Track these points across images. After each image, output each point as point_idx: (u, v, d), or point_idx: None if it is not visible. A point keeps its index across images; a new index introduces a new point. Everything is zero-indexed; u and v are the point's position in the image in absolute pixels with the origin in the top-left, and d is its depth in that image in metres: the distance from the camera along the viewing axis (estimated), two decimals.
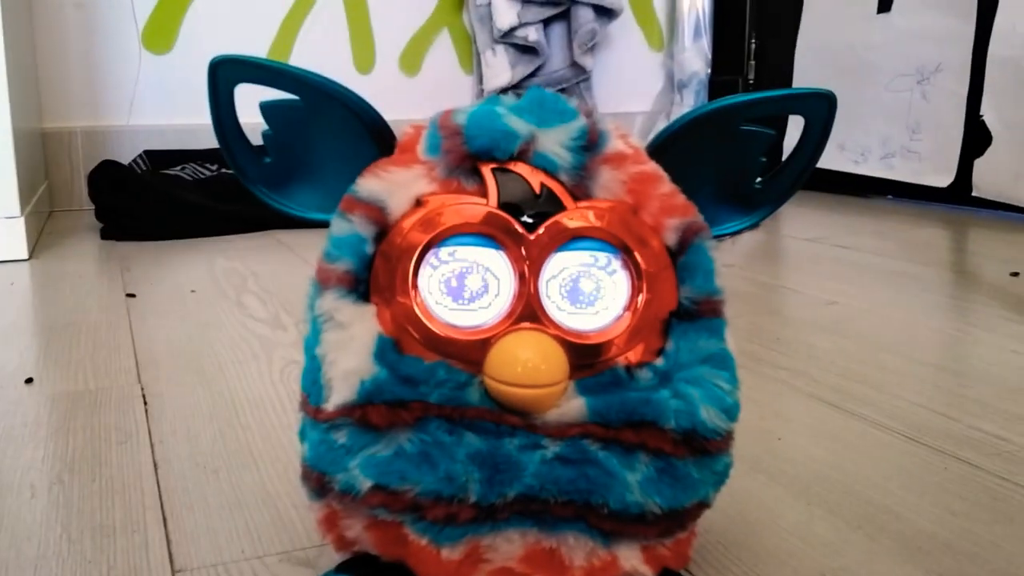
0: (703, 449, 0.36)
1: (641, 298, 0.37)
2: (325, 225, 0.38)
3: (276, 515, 0.49)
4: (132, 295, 1.01)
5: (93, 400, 0.68)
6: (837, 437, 0.60)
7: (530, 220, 0.36)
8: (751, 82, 1.97)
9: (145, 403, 0.67)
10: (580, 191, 0.37)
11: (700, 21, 2.00)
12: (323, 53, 1.80)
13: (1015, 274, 1.08)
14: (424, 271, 0.36)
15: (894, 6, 1.64)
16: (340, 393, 0.35)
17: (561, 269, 0.37)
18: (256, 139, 0.41)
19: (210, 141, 1.70)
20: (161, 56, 1.72)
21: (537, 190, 0.36)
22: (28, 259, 1.21)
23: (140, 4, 1.69)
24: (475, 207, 0.36)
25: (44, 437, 0.61)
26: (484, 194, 0.36)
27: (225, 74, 0.40)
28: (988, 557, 0.44)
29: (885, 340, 0.82)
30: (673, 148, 0.40)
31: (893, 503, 0.50)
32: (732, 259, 1.21)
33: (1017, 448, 0.57)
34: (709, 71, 2.02)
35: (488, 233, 0.36)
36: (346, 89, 0.39)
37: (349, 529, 0.37)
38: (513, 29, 1.80)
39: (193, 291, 1.02)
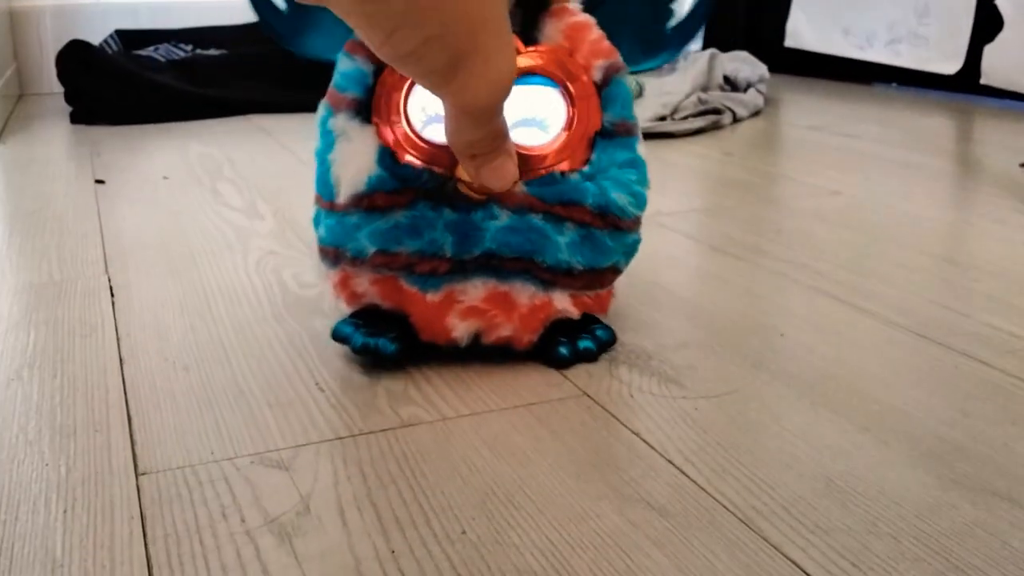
0: (615, 224, 0.50)
1: (574, 121, 0.49)
2: (333, 64, 0.50)
3: (249, 414, 0.46)
4: (101, 181, 0.96)
5: (57, 292, 0.64)
6: (843, 333, 0.56)
7: None
8: None
9: (112, 295, 0.63)
10: (530, 39, 0.49)
11: None
12: None
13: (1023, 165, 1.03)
14: (412, 99, 0.48)
15: None
16: (352, 186, 0.48)
17: (517, 99, 0.46)
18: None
19: (185, 20, 1.63)
20: None
21: None
22: None
23: None
24: None
25: (3, 331, 0.58)
26: None
27: None
28: (1002, 461, 0.42)
29: (891, 232, 0.78)
30: (602, 3, 0.52)
31: (902, 403, 0.47)
32: (731, 147, 1.16)
33: None
34: None
35: None
36: None
37: (359, 286, 0.50)
38: None
39: (166, 178, 0.98)
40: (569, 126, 0.49)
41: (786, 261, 0.70)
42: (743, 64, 1.47)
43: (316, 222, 0.51)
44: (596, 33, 0.50)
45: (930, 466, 0.41)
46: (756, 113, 1.36)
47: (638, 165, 0.51)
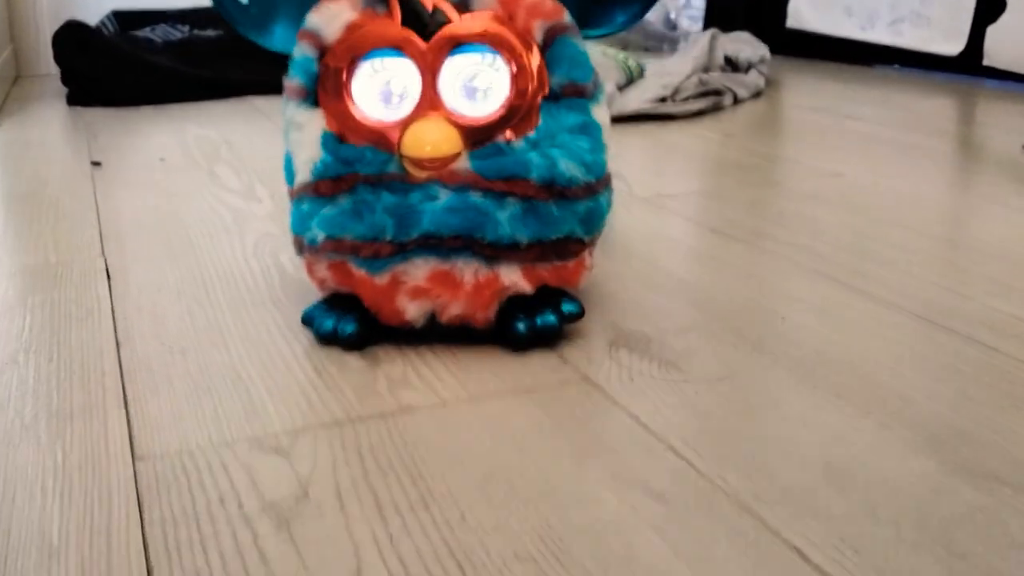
0: (561, 194, 0.49)
1: (515, 88, 0.48)
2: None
3: (247, 399, 0.46)
4: (98, 164, 0.95)
5: (53, 274, 0.64)
6: (844, 317, 0.56)
7: (426, 33, 0.48)
8: None
9: (109, 278, 0.63)
10: (464, 8, 0.49)
11: None
12: None
13: None
14: (353, 80, 0.49)
15: None
16: (301, 174, 0.50)
17: (455, 69, 0.48)
18: None
19: (182, 0, 1.62)
20: None
21: (430, 8, 0.49)
22: None
23: None
24: (385, 28, 0.49)
25: (0, 314, 0.57)
26: (391, 16, 0.49)
27: None
28: (1006, 446, 0.41)
29: (892, 214, 0.78)
30: None
31: (904, 387, 0.47)
32: (732, 129, 1.15)
33: None
34: None
35: (395, 46, 0.49)
36: None
37: (319, 272, 0.51)
38: None
39: (162, 160, 0.97)
40: (510, 92, 0.48)
41: (787, 243, 0.70)
42: (744, 45, 1.46)
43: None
44: None
45: (932, 451, 0.41)
46: (757, 94, 1.35)
47: (591, 130, 0.50)
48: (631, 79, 1.27)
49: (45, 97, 1.36)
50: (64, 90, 1.34)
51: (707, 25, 1.81)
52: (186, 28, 1.54)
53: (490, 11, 0.49)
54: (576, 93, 0.50)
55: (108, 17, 1.55)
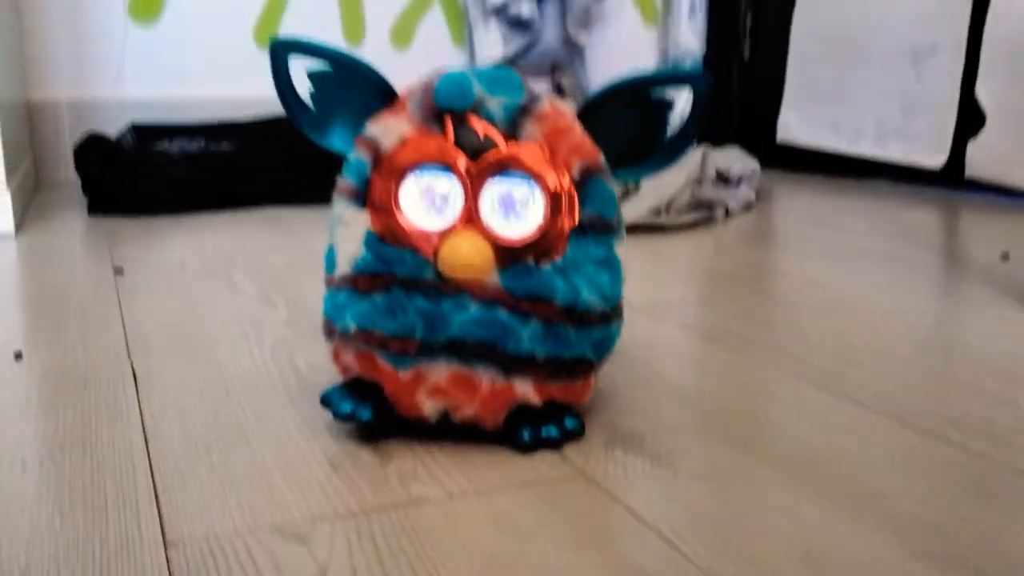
0: (580, 320, 0.53)
1: (548, 214, 0.53)
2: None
3: (268, 490, 0.50)
4: (120, 270, 1.00)
5: (83, 376, 0.68)
6: (826, 419, 0.60)
7: (474, 155, 0.53)
8: (746, 59, 1.96)
9: (135, 380, 0.67)
10: (512, 138, 0.53)
11: None
12: (312, 24, 1.78)
13: (1005, 257, 1.08)
14: (401, 188, 0.54)
15: None
16: (342, 268, 0.55)
17: (496, 191, 0.53)
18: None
19: (197, 115, 1.70)
20: (148, 27, 1.70)
21: (481, 135, 0.53)
22: (14, 234, 1.20)
23: None
24: (438, 145, 0.53)
25: (34, 413, 0.61)
26: (445, 136, 0.53)
27: (281, 51, 0.58)
28: (973, 536, 0.45)
29: (875, 322, 0.82)
30: (597, 110, 0.55)
31: (880, 483, 0.50)
32: (724, 240, 1.21)
33: (1003, 430, 0.58)
34: (704, 48, 2.01)
35: (444, 163, 0.53)
36: (364, 62, 0.57)
37: (346, 358, 0.55)
38: (506, 3, 1.79)
39: (182, 267, 1.02)
40: (544, 219, 0.52)
41: (774, 349, 0.74)
42: (735, 160, 1.53)
43: (324, 299, 0.57)
44: (577, 135, 0.54)
45: (903, 540, 0.44)
46: (748, 207, 1.42)
47: (613, 266, 0.54)
48: (627, 192, 1.34)
49: (66, 206, 1.43)
50: (84, 199, 1.41)
51: (699, 141, 1.90)
52: (202, 141, 1.61)
53: (535, 143, 0.53)
54: (603, 228, 0.54)
55: (128, 129, 1.63)
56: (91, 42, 1.67)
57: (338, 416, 0.55)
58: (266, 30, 1.77)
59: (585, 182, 0.53)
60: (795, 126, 1.84)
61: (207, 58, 1.74)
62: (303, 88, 0.59)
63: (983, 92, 1.48)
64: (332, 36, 1.81)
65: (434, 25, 1.90)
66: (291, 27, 1.77)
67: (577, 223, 0.53)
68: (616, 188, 0.56)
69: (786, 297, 0.91)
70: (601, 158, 0.54)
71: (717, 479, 0.51)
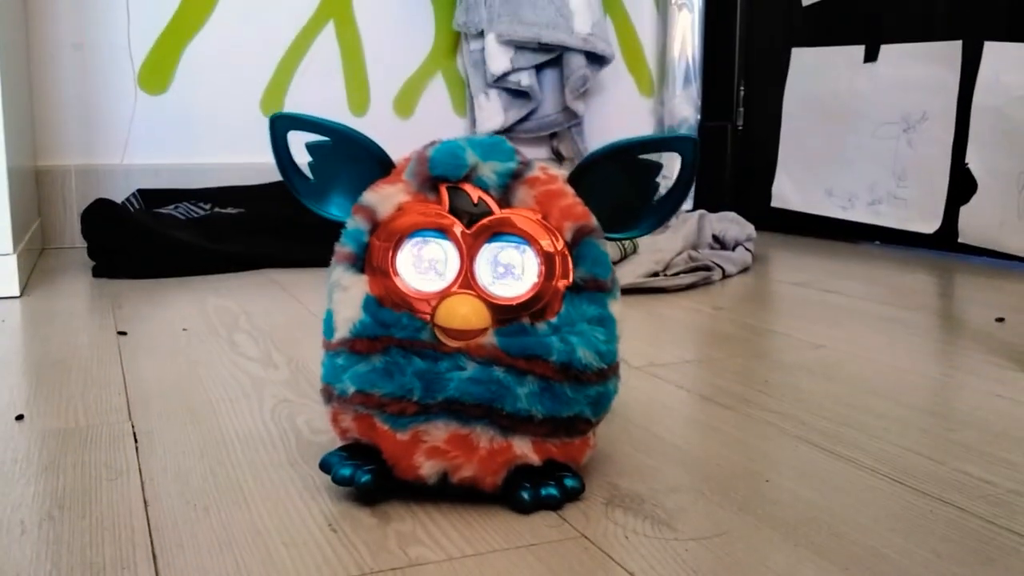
0: (576, 378, 0.54)
1: (543, 275, 0.54)
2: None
3: (266, 553, 0.50)
4: (123, 333, 1.01)
5: (84, 437, 0.68)
6: (825, 480, 0.60)
7: (469, 220, 0.55)
8: (740, 128, 1.99)
9: (136, 440, 0.67)
10: (505, 203, 0.56)
11: (690, 68, 2.04)
12: (318, 95, 1.82)
13: (1000, 319, 1.09)
14: (399, 253, 0.55)
15: (880, 56, 1.68)
16: (340, 331, 0.55)
17: (491, 254, 0.55)
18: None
19: (203, 181, 1.73)
20: (157, 96, 1.73)
21: (475, 201, 0.55)
22: (19, 296, 1.21)
23: (137, 45, 1.71)
24: (433, 212, 0.55)
25: (34, 474, 0.61)
26: (440, 203, 0.55)
27: (280, 125, 0.60)
28: None
29: (872, 384, 0.83)
30: (587, 175, 0.57)
31: (880, 545, 0.50)
32: (721, 302, 1.22)
33: (1001, 491, 0.58)
34: (699, 117, 2.05)
35: (441, 228, 0.55)
36: (361, 134, 0.59)
37: (344, 421, 0.56)
38: (506, 74, 1.83)
39: (185, 329, 1.03)
40: (538, 279, 0.54)
41: (772, 411, 0.74)
42: (731, 224, 1.55)
43: (322, 363, 0.58)
44: (568, 199, 0.56)
45: None
46: (745, 270, 1.43)
47: (607, 323, 0.55)
48: (625, 255, 1.35)
49: (70, 269, 1.44)
50: (89, 262, 1.42)
51: (696, 206, 1.93)
52: (207, 206, 1.64)
53: (527, 208, 0.55)
54: (596, 287, 0.55)
55: (134, 195, 1.66)
56: (101, 110, 1.71)
57: (337, 481, 0.55)
58: (272, 100, 1.80)
59: (578, 243, 0.55)
60: (789, 192, 1.86)
61: (214, 127, 1.77)
62: (303, 159, 0.60)
63: (973, 160, 1.51)
64: (337, 105, 1.84)
65: (436, 95, 1.93)
66: (297, 97, 1.81)
67: (571, 282, 0.55)
68: (609, 248, 0.57)
69: (783, 358, 0.92)
70: (593, 220, 0.56)
71: (717, 541, 0.51)
